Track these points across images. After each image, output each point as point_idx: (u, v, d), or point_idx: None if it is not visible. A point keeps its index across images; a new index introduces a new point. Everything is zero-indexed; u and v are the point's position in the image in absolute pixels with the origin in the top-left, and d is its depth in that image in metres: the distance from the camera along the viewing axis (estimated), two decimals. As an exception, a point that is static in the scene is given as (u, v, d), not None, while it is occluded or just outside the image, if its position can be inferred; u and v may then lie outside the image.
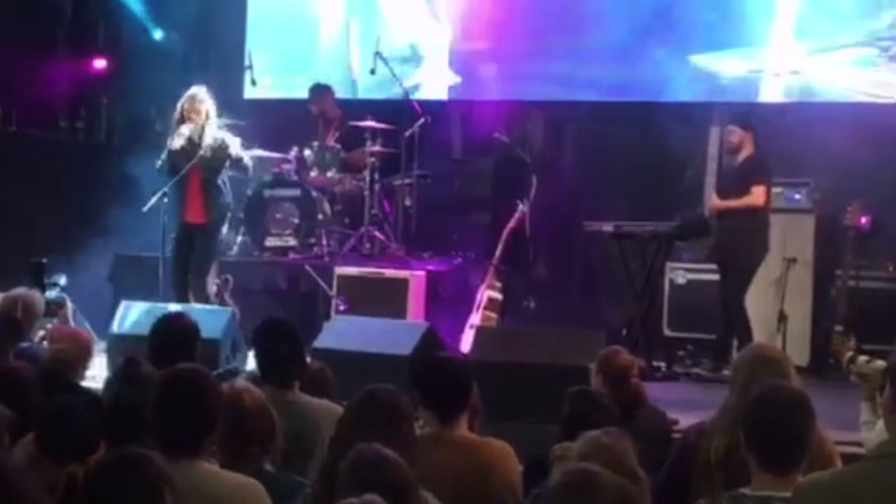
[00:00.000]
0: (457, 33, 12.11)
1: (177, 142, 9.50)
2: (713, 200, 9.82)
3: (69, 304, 7.68)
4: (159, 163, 9.65)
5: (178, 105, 9.63)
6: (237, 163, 9.70)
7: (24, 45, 12.34)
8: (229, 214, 10.01)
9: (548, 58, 11.58)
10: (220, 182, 9.72)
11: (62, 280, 8.17)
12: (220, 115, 9.73)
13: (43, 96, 12.73)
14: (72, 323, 7.73)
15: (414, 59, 12.23)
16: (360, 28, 12.47)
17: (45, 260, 8.98)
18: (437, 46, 12.22)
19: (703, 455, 4.42)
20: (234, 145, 9.65)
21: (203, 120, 9.52)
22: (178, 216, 9.66)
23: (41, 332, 7.57)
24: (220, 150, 9.52)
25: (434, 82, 12.22)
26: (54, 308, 7.91)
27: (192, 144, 9.52)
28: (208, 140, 9.50)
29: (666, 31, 11.26)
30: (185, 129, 9.51)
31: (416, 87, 12.06)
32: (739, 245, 9.59)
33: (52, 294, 8.12)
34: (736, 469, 4.05)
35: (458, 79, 12.14)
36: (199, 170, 9.54)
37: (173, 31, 12.85)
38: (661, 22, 11.26)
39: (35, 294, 7.72)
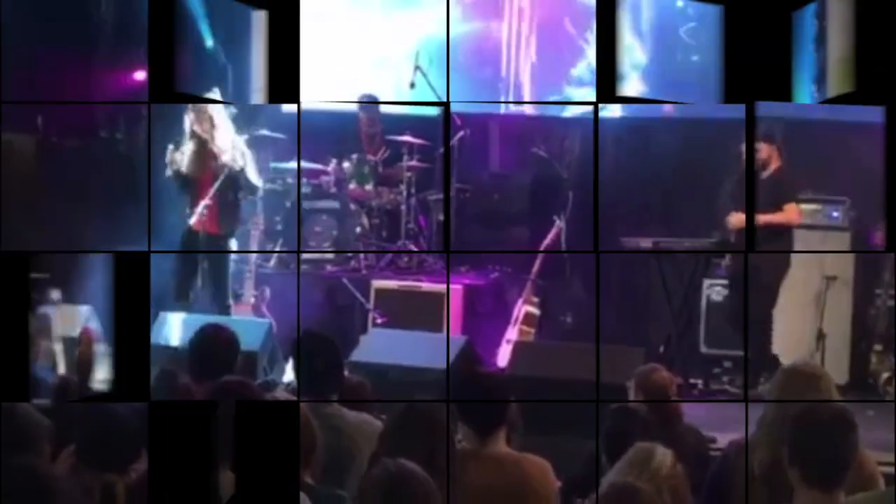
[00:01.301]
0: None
1: (181, 157, 9.53)
2: (736, 217, 9.64)
3: None
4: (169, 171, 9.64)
5: (185, 120, 9.61)
6: (243, 180, 9.60)
7: (64, 55, 12.42)
8: (240, 226, 9.92)
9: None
10: (233, 193, 9.64)
11: None
12: (241, 127, 9.72)
13: (83, 106, 12.81)
14: None
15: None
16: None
17: None
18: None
19: (743, 471, 4.40)
20: (243, 160, 9.56)
21: (209, 132, 9.47)
22: (186, 224, 9.52)
23: None
24: (232, 161, 9.46)
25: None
26: None
27: (201, 157, 9.50)
28: (221, 151, 9.44)
29: None
30: (191, 146, 9.51)
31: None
32: (761, 262, 9.50)
33: None
34: (778, 485, 4.03)
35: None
36: (213, 180, 9.50)
37: (215, 43, 12.89)
38: None
39: None
